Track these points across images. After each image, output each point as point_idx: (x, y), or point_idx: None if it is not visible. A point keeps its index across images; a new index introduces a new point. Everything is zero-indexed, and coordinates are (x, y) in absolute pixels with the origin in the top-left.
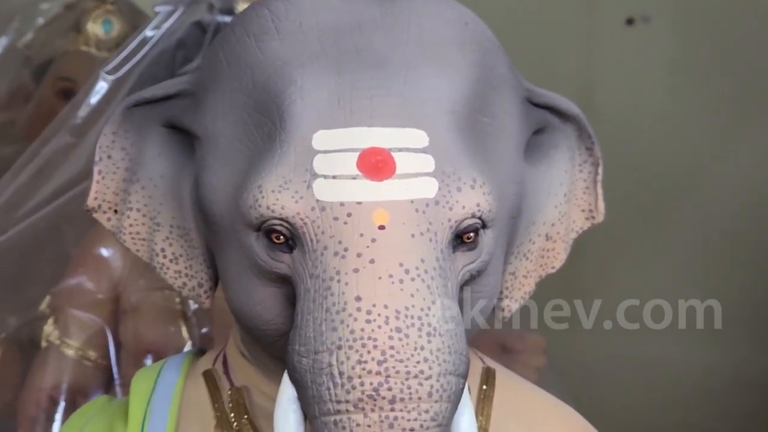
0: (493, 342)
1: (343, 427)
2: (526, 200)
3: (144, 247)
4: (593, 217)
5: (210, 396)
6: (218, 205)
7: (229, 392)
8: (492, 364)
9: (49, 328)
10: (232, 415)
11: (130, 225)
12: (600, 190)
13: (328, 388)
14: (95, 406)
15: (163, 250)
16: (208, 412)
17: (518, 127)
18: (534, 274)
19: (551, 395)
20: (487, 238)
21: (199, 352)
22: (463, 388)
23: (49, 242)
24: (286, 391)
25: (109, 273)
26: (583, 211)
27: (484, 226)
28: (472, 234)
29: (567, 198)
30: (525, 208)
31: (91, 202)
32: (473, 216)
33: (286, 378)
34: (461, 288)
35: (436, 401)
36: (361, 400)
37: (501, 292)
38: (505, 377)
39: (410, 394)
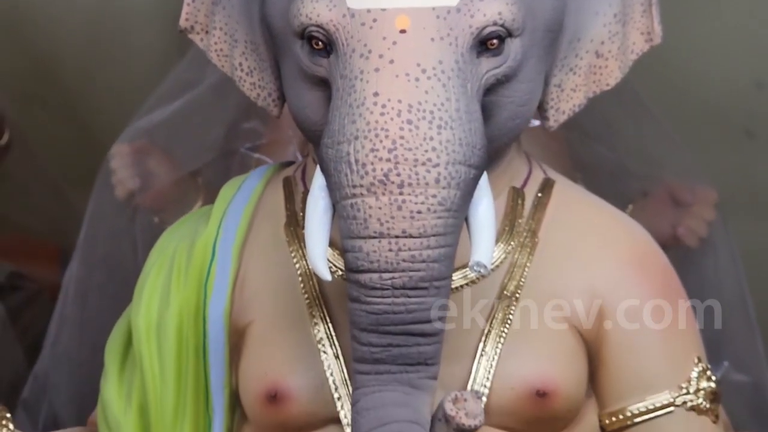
0: (665, 194)
1: (358, 209)
2: (570, 17)
3: (227, 63)
4: (651, 40)
5: (285, 198)
6: (276, 19)
7: (302, 194)
8: (554, 176)
9: None
10: (301, 214)
11: (215, 43)
12: (656, 13)
13: (346, 175)
14: (197, 213)
15: (240, 64)
16: (281, 211)
17: None
18: (584, 88)
19: (615, 209)
20: (514, 45)
21: (288, 163)
22: (475, 179)
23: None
24: (317, 180)
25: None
26: (642, 33)
27: (510, 34)
28: (495, 41)
29: (619, 19)
30: (569, 24)
31: (183, 23)
32: (495, 24)
33: (318, 169)
34: (488, 92)
35: (443, 187)
36: (372, 184)
37: (546, 103)
38: (564, 187)
39: (418, 180)
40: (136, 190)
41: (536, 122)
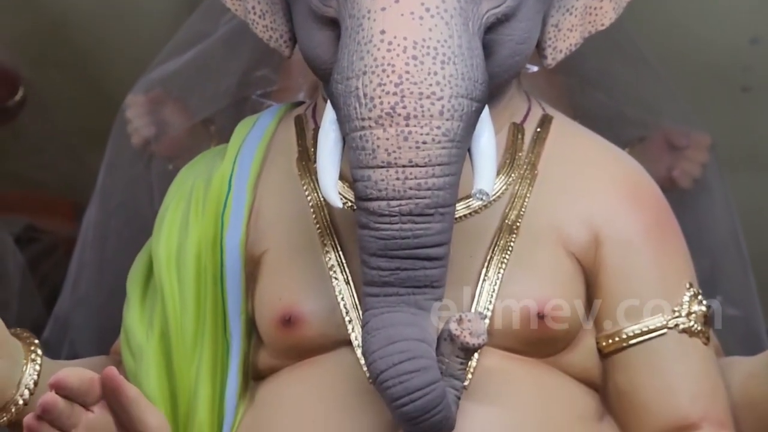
0: (661, 139)
1: (367, 141)
2: None
3: (240, 7)
4: None
5: (296, 135)
6: None
7: (313, 131)
8: (552, 112)
9: None
10: (312, 150)
11: None
12: None
13: (355, 108)
14: (213, 150)
15: (253, 7)
16: (293, 147)
17: None
18: (580, 28)
19: (610, 143)
20: None
21: (299, 103)
22: (477, 111)
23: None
24: (328, 115)
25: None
26: None
27: None
28: None
29: None
30: None
31: None
32: None
33: (328, 104)
34: (489, 30)
35: (447, 119)
36: (380, 117)
37: (544, 42)
38: (562, 123)
39: (423, 112)
40: (151, 139)
41: (534, 68)
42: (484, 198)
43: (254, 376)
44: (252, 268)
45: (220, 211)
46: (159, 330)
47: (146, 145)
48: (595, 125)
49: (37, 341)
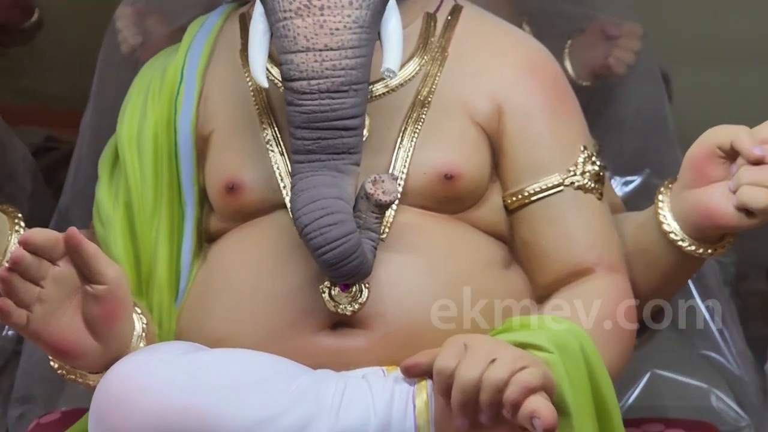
0: (597, 30)
1: (288, 29)
2: None
3: None
4: None
5: (240, 30)
6: None
7: None
8: (463, 2)
9: None
10: None
11: None
12: None
13: (278, 2)
14: (169, 49)
15: None
16: (237, 40)
17: None
18: None
19: (514, 26)
20: None
21: (245, 2)
22: (383, 1)
23: None
24: (258, 9)
25: None
26: None
27: None
28: None
29: None
30: None
31: None
32: None
33: (257, 1)
34: None
35: (356, 8)
36: (299, 8)
37: None
38: (470, 11)
39: (335, 3)
40: (137, 46)
41: None
42: (391, 75)
43: (207, 239)
44: (202, 145)
45: (173, 98)
46: (123, 201)
47: (133, 52)
48: (539, 21)
49: (20, 215)
